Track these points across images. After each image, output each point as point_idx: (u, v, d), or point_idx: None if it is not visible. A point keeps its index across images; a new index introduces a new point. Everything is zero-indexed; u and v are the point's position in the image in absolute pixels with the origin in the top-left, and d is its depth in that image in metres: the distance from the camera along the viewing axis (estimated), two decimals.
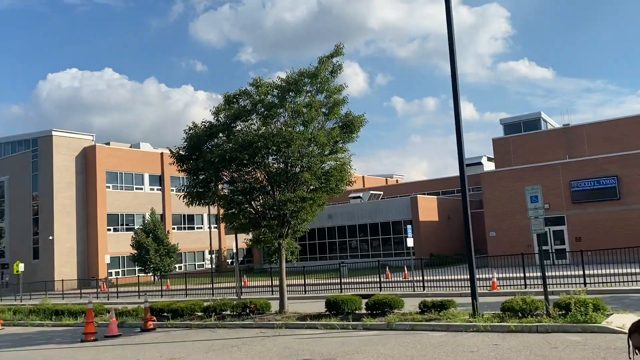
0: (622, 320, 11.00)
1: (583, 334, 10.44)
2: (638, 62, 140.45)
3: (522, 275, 20.05)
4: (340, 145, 16.93)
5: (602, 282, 18.60)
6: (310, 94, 16.63)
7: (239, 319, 15.89)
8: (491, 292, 19.90)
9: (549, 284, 19.04)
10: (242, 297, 23.49)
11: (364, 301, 14.94)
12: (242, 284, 27.87)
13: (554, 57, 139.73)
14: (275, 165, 16.61)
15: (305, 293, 24.83)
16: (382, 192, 51.67)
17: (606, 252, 20.66)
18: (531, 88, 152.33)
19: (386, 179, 72.43)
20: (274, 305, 16.95)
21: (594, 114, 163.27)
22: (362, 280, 25.59)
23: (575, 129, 40.38)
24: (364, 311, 14.94)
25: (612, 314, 11.63)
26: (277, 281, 17.10)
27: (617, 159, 30.52)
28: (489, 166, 51.97)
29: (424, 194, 45.85)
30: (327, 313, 15.05)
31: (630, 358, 3.79)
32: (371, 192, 50.12)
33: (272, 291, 25.17)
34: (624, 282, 18.28)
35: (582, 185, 30.95)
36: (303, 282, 25.18)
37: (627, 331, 10.24)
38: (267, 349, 11.15)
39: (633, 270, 18.75)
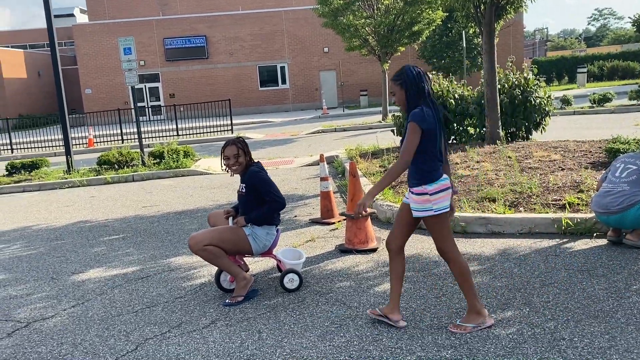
0: (207, 164, 12.44)
1: (175, 178, 11.41)
2: None
3: (119, 131, 20.25)
4: None
5: (193, 134, 20.41)
6: None
7: None
8: (88, 149, 19.55)
9: (146, 138, 19.88)
10: None
11: None
12: None
13: None
14: None
15: None
16: None
17: (196, 107, 22.54)
18: None
19: None
20: None
21: None
22: None
23: None
24: None
25: (200, 159, 13.01)
26: None
27: (205, 19, 32.50)
28: (83, 19, 48.38)
29: (8, 47, 39.92)
30: None
31: (223, 169, 4.53)
32: None
33: None
34: (210, 132, 20.47)
35: (174, 44, 32.13)
36: None
37: (212, 171, 11.66)
38: None
39: (217, 123, 21.11)
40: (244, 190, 4.41)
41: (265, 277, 4.89)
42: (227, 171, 4.45)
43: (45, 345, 3.86)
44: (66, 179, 11.80)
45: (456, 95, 10.62)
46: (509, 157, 8.07)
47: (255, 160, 4.52)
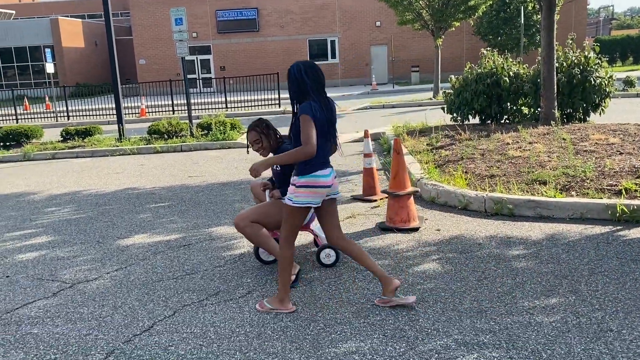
0: None
1: (222, 149, 11.52)
2: None
3: (170, 102, 20.59)
4: None
5: (241, 107, 20.56)
6: None
7: None
8: (140, 119, 19.98)
9: (196, 110, 20.18)
10: None
11: None
12: None
13: None
14: None
15: None
16: (14, 12, 44.20)
17: (245, 80, 22.66)
18: None
19: None
20: None
21: None
22: None
23: None
24: None
25: (246, 132, 13.07)
26: None
27: None
28: None
29: (67, 17, 41.07)
30: None
31: (247, 152, 4.34)
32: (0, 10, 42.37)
33: None
34: (258, 106, 20.55)
35: (226, 16, 32.24)
36: None
37: None
38: None
39: (266, 96, 21.15)
40: (278, 168, 4.36)
41: (303, 251, 4.87)
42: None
43: (87, 306, 3.96)
44: (117, 146, 12.10)
45: (511, 73, 10.22)
46: (563, 139, 7.73)
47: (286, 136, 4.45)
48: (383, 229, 5.28)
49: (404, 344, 3.14)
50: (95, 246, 5.42)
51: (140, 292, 4.17)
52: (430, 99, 19.51)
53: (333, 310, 3.63)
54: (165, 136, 12.78)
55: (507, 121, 10.46)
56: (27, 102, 25.80)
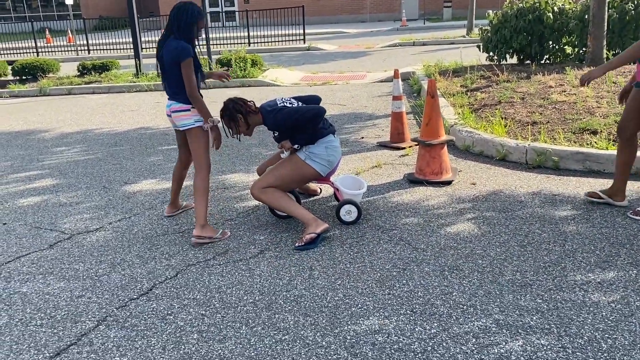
0: (275, 74, 11.87)
1: (242, 87, 10.96)
2: None
3: None
4: None
5: (264, 42, 19.75)
6: None
7: None
8: None
9: (217, 44, 19.46)
10: None
11: (10, 67, 12.83)
12: None
13: None
14: None
15: None
16: None
17: (269, 13, 21.67)
18: None
19: None
20: None
21: None
22: (16, 46, 21.97)
23: None
24: (10, 77, 12.93)
25: (268, 69, 12.44)
26: None
27: None
28: None
29: None
30: None
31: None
32: None
33: None
34: (282, 41, 19.71)
35: None
36: None
37: (279, 83, 11.12)
38: None
39: (290, 31, 20.25)
40: (277, 134, 3.85)
41: (322, 205, 4.41)
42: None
43: (83, 261, 3.61)
44: (134, 82, 11.63)
45: (555, 8, 9.29)
46: (614, 82, 6.98)
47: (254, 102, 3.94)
48: (412, 181, 4.77)
49: (435, 324, 2.70)
50: (100, 192, 5.04)
51: (143, 247, 3.79)
52: (464, 36, 18.41)
53: (354, 277, 3.19)
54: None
55: (548, 62, 9.63)
56: (49, 35, 25.33)
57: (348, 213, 3.92)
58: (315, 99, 4.07)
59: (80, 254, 3.72)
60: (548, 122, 5.77)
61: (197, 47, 3.84)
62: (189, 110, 3.77)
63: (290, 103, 3.82)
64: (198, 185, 3.80)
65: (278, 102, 3.81)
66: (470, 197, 4.35)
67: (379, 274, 3.22)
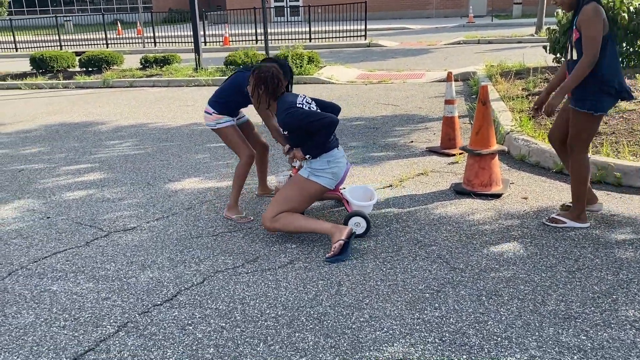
0: (331, 72, 11.74)
1: (296, 85, 10.89)
2: None
3: (254, 31, 20.04)
4: None
5: (324, 38, 19.64)
6: None
7: None
8: (223, 48, 19.65)
9: (278, 39, 19.55)
10: None
11: (78, 58, 13.32)
12: None
13: None
14: None
15: (16, 51, 21.56)
16: None
17: (332, 9, 21.55)
18: None
19: None
20: None
21: None
22: (88, 37, 22.90)
23: None
24: (77, 69, 13.43)
25: (324, 66, 12.32)
26: None
27: None
28: None
29: None
30: (34, 72, 13.16)
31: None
32: None
33: None
34: (343, 37, 19.54)
35: None
36: (13, 39, 21.62)
37: (334, 81, 10.97)
38: None
39: (351, 27, 20.05)
40: (285, 132, 3.71)
41: (331, 216, 4.24)
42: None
43: (115, 261, 3.61)
44: (193, 77, 11.80)
45: (631, 8, 8.66)
46: None
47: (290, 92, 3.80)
48: (458, 192, 4.53)
49: (464, 356, 2.50)
50: (143, 189, 5.09)
51: (175, 249, 3.77)
52: (532, 35, 17.63)
53: (383, 297, 3.03)
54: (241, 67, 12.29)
55: (622, 65, 9.01)
56: (120, 27, 26.25)
57: (357, 225, 3.74)
58: (336, 109, 3.92)
59: (114, 254, 3.73)
60: (613, 132, 5.35)
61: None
62: (211, 114, 4.21)
63: (309, 104, 3.68)
64: (236, 170, 4.26)
65: (298, 101, 3.66)
66: (519, 213, 4.08)
67: (410, 295, 3.03)
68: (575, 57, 3.52)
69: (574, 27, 3.48)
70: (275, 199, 3.68)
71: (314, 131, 3.53)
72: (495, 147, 4.46)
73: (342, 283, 3.19)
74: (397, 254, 3.53)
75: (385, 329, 2.73)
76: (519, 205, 4.22)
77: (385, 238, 3.76)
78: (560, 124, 3.89)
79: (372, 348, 2.59)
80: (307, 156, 3.64)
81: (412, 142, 6.21)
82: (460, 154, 5.53)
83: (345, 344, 2.63)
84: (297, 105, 3.59)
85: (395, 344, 2.61)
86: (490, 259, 3.40)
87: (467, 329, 2.70)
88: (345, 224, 3.74)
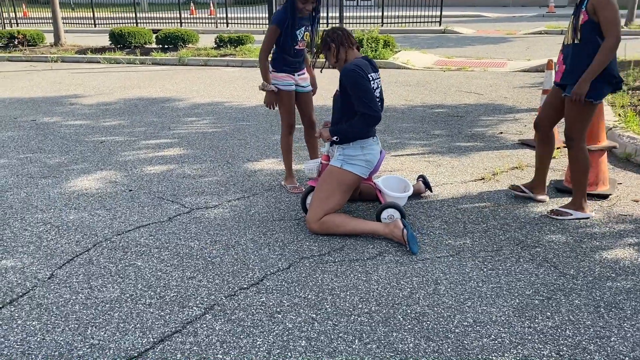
0: (406, 57, 11.36)
1: None
2: None
3: (325, 14, 19.79)
4: None
5: (397, 22, 19.16)
6: None
7: (5, 51, 13.58)
8: None
9: (353, 23, 19.23)
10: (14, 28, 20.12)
11: (154, 35, 13.51)
12: (22, 14, 23.83)
13: None
14: None
15: (95, 27, 22.23)
16: None
17: None
18: None
19: None
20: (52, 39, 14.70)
21: None
22: (162, 15, 23.31)
23: None
24: (154, 45, 13.63)
25: (400, 51, 11.96)
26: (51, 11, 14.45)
27: None
28: None
29: None
30: (112, 47, 13.46)
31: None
32: None
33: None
34: (416, 23, 19.01)
35: None
36: (92, 16, 22.31)
37: (410, 66, 10.61)
38: (33, 83, 9.63)
39: (426, 13, 19.46)
40: (338, 90, 3.51)
41: (361, 205, 3.97)
42: None
43: (198, 239, 3.51)
44: None
45: None
46: None
47: (363, 56, 3.52)
48: (559, 190, 4.17)
49: None
50: (223, 167, 4.99)
51: (258, 230, 3.63)
52: (622, 27, 16.53)
53: (487, 301, 2.76)
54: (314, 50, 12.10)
55: None
56: (193, 7, 26.61)
57: (390, 218, 3.49)
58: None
59: (197, 231, 3.63)
60: None
61: (309, 26, 4.09)
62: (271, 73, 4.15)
63: (376, 89, 3.47)
64: (280, 142, 4.35)
65: (372, 76, 3.44)
66: (632, 217, 3.69)
67: (517, 300, 2.76)
68: (576, 41, 3.33)
69: (584, 9, 3.28)
70: (315, 198, 3.50)
71: (357, 110, 3.37)
72: (605, 143, 4.07)
73: (439, 282, 2.95)
74: (497, 254, 3.25)
75: (492, 336, 2.48)
76: (630, 208, 3.83)
77: (483, 235, 3.48)
78: (550, 114, 3.73)
79: (479, 356, 2.35)
80: (335, 138, 3.48)
81: (501, 133, 5.83)
82: (558, 148, 5.13)
83: (449, 350, 2.40)
84: (368, 76, 3.38)
85: (505, 354, 2.36)
86: (605, 267, 3.06)
87: (587, 344, 2.41)
88: (378, 215, 3.54)
